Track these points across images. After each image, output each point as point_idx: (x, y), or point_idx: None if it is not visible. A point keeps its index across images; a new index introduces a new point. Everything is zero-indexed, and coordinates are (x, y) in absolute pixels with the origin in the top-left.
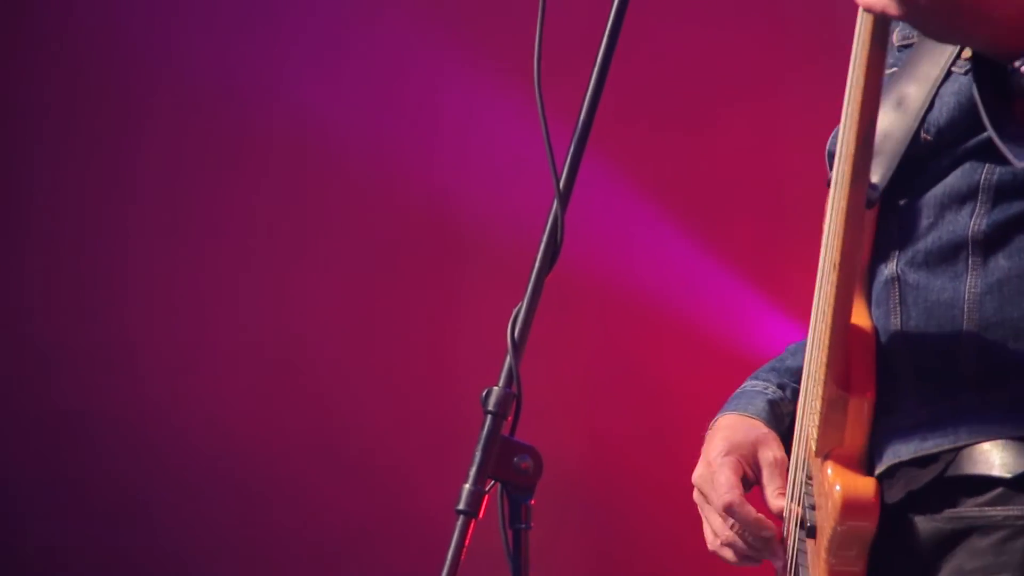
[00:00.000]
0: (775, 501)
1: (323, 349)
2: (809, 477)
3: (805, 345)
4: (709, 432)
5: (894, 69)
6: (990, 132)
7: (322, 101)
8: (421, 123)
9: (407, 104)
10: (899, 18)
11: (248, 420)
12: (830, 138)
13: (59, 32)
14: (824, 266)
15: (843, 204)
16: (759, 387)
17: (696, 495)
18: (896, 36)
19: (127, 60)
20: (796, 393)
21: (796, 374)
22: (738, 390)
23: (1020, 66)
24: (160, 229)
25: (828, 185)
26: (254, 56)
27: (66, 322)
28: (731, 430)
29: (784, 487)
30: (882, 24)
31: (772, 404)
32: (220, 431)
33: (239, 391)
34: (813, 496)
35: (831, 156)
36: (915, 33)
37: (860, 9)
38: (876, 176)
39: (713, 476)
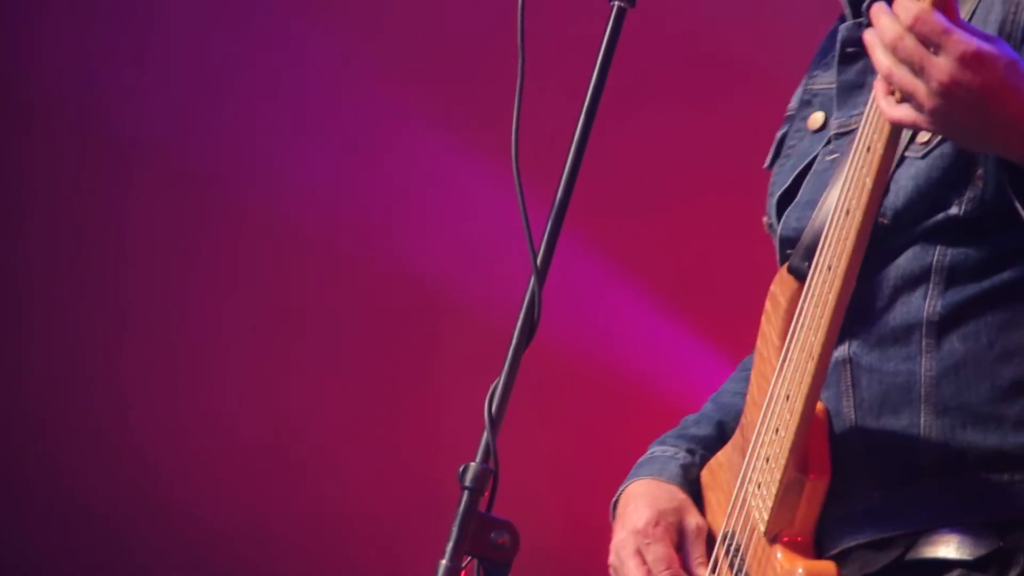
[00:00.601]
0: (697, 570)
1: (304, 425)
2: (737, 549)
3: (705, 417)
4: (623, 498)
5: (835, 156)
6: None
7: (300, 177)
8: (400, 199)
9: (385, 180)
10: (931, 131)
11: (233, 496)
12: (770, 208)
13: (43, 111)
14: (793, 354)
15: (832, 297)
16: (669, 452)
17: (615, 560)
18: (834, 124)
19: (108, 139)
20: (704, 459)
21: (703, 442)
22: (645, 456)
23: None
24: (142, 312)
25: (781, 264)
26: (232, 132)
27: (56, 398)
28: (652, 497)
29: (705, 556)
30: (897, 134)
31: (684, 469)
32: (206, 509)
33: (224, 468)
34: (746, 571)
35: (772, 228)
36: (855, 120)
37: (874, 116)
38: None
39: (648, 547)
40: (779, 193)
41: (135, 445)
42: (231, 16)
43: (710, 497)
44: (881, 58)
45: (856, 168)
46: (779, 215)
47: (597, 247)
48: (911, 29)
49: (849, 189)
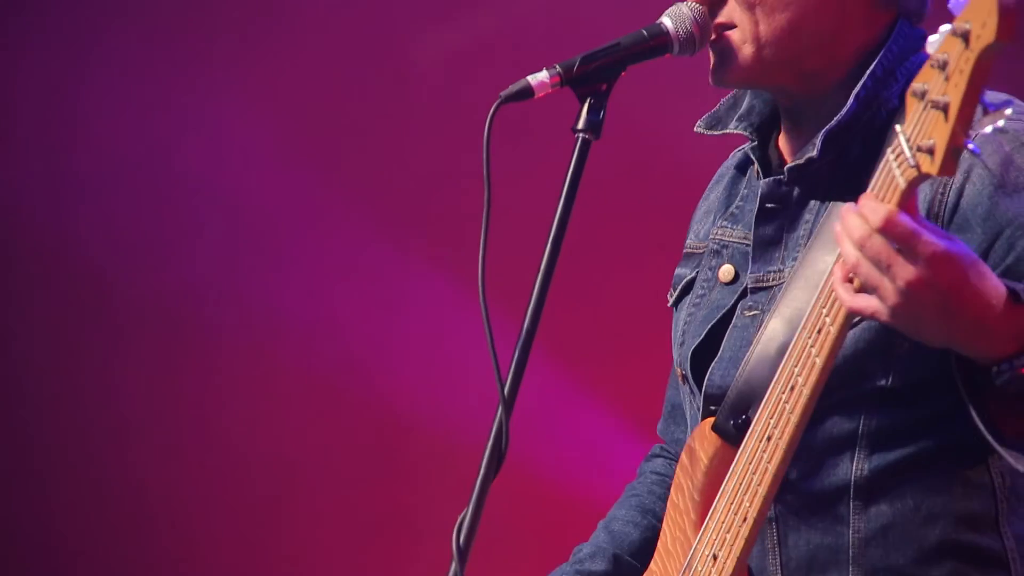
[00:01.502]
0: None
1: (277, 548)
2: None
3: (600, 550)
4: None
5: (755, 312)
6: (992, 444)
7: (272, 311)
8: (369, 330)
9: (352, 308)
10: (891, 325)
11: None
12: (683, 361)
13: (44, 273)
14: (721, 514)
15: (771, 467)
16: None
17: None
18: (749, 279)
19: (111, 294)
20: None
21: None
22: None
23: (1006, 368)
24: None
25: (703, 419)
26: (208, 264)
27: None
28: None
29: None
30: (851, 318)
31: None
32: None
33: None
34: None
35: (687, 380)
36: (772, 276)
37: (829, 298)
38: (751, 412)
39: None
40: (694, 346)
41: None
42: (202, 149)
43: None
44: (850, 251)
45: (804, 345)
46: (695, 368)
47: (567, 375)
48: (881, 231)
49: (796, 365)
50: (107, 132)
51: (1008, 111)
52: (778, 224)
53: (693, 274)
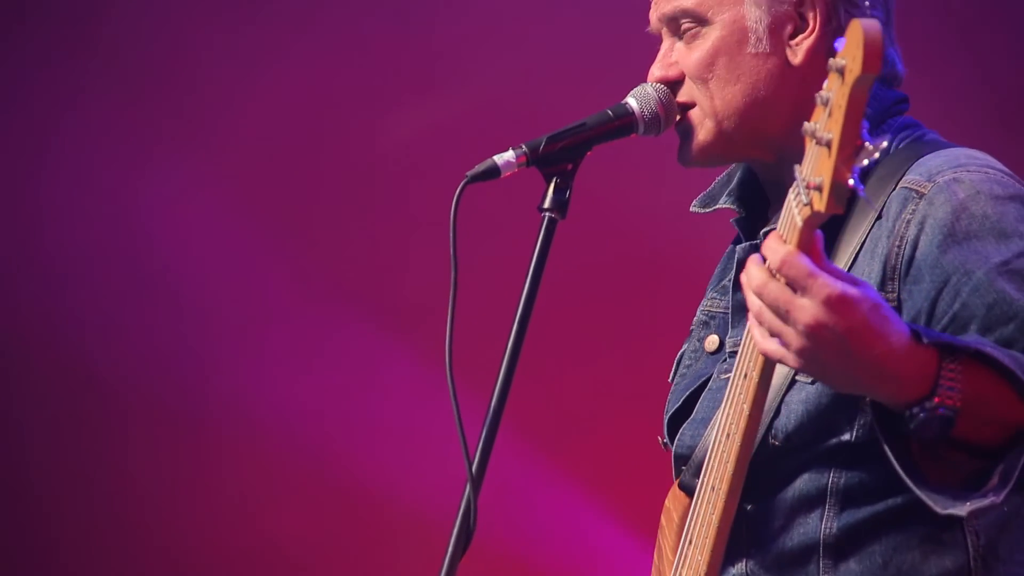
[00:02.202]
0: None
1: None
2: None
3: None
4: None
5: (728, 375)
6: (912, 487)
7: (245, 392)
8: (337, 411)
9: (325, 390)
10: (799, 370)
11: None
12: (665, 427)
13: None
14: (681, 571)
15: (715, 518)
16: None
17: None
18: (728, 343)
19: (92, 382)
20: None
21: None
22: None
23: (917, 412)
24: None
25: (676, 479)
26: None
27: None
28: None
29: None
30: (771, 363)
31: None
32: None
33: None
34: None
35: (667, 447)
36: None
37: (750, 344)
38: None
39: None
40: (672, 411)
41: None
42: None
43: None
44: (752, 299)
45: (735, 392)
46: (671, 432)
47: (533, 453)
48: (779, 271)
49: (729, 415)
50: (77, 216)
51: (883, 143)
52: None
53: (684, 347)
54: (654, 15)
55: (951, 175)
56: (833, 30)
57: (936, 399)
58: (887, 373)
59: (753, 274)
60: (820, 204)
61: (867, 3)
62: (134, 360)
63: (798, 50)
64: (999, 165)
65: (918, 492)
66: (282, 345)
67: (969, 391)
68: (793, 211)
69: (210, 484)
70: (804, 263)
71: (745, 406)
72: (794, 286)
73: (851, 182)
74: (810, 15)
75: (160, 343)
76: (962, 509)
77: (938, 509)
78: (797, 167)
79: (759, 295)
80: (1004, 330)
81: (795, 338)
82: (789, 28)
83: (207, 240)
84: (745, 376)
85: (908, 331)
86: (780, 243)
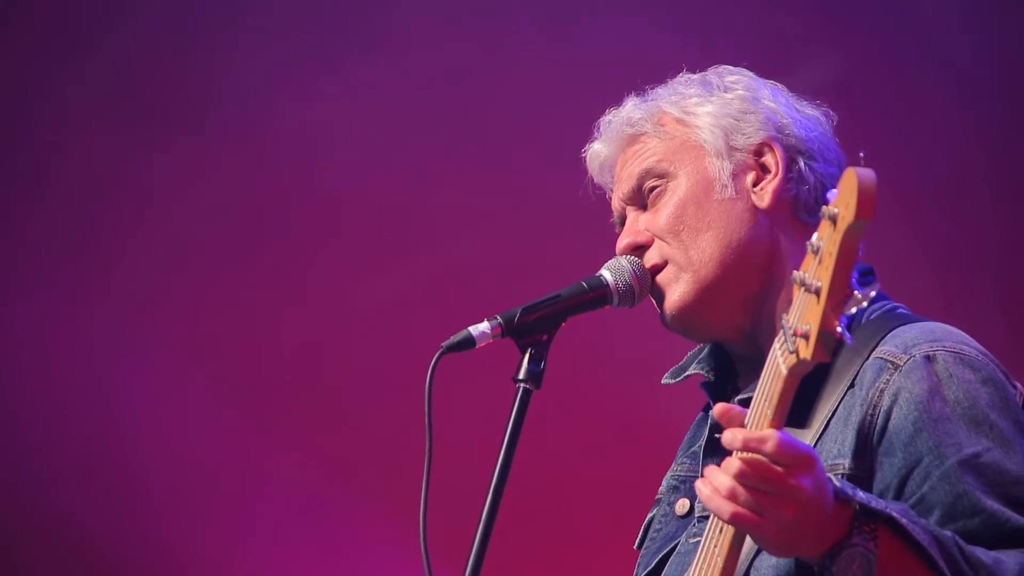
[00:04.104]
0: None
1: None
2: None
3: None
4: None
5: (697, 539)
6: None
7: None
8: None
9: (302, 557)
10: (762, 536)
11: None
12: None
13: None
14: None
15: None
16: None
17: None
18: (698, 508)
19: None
20: None
21: None
22: None
23: (825, 563)
24: None
25: None
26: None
27: None
28: None
29: None
30: (740, 537)
31: None
32: None
33: None
34: None
35: None
36: None
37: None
38: None
39: None
40: (643, 575)
41: None
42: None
43: None
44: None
45: (710, 543)
46: None
47: None
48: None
49: (704, 564)
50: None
51: (872, 292)
52: (725, 453)
53: (655, 512)
54: (616, 198)
55: (927, 349)
56: (795, 179)
57: (855, 540)
58: (817, 537)
59: (719, 482)
60: (807, 352)
61: (826, 155)
62: (117, 542)
63: (763, 194)
64: (973, 343)
65: None
66: (259, 515)
67: (883, 550)
68: (778, 359)
69: None
70: (757, 468)
71: (720, 559)
72: (781, 464)
73: (839, 330)
74: (771, 162)
75: (136, 523)
76: None
77: None
78: (784, 315)
79: (742, 482)
80: (968, 522)
81: (774, 506)
82: (752, 175)
83: (185, 418)
84: (721, 530)
85: (832, 488)
86: (737, 432)
